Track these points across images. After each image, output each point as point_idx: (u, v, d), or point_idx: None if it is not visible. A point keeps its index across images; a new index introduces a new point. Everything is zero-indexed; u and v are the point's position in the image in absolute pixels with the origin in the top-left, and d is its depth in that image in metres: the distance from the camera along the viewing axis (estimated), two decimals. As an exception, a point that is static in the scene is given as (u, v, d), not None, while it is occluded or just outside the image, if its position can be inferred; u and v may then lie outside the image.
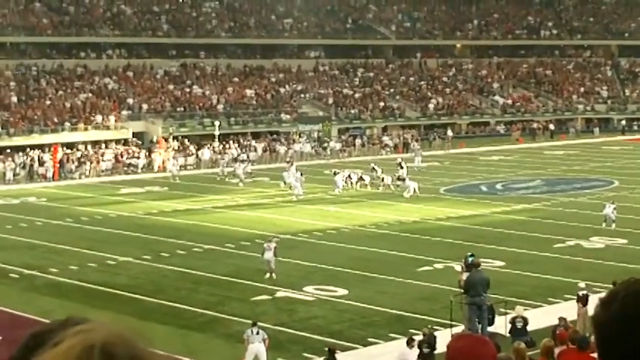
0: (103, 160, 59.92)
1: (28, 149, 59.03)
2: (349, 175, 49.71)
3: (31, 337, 1.75)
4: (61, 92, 71.12)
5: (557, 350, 14.29)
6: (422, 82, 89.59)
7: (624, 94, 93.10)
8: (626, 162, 60.80)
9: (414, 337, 20.22)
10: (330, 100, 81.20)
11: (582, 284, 23.57)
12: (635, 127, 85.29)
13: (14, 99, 67.80)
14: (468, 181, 52.84)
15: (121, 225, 39.08)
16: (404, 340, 20.77)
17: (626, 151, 68.64)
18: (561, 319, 19.92)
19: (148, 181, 54.75)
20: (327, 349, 19.80)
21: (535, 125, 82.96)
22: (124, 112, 69.80)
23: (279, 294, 26.69)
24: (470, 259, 23.07)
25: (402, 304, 25.35)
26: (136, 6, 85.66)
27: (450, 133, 76.04)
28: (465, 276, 22.72)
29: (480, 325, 22.08)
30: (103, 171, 59.05)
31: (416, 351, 19.82)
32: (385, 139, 72.77)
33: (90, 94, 71.55)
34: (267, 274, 28.65)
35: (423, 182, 49.15)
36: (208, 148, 63.65)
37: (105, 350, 1.63)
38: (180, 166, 58.53)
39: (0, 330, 22.70)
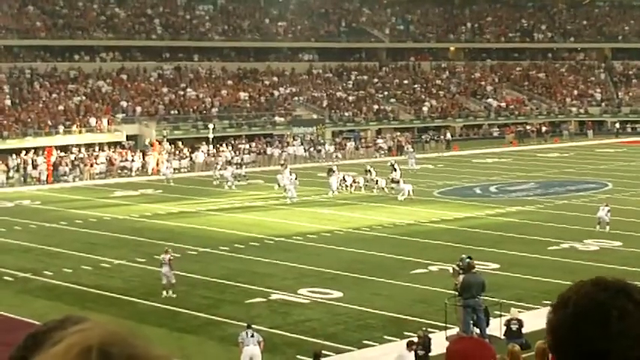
0: (96, 163, 59.89)
1: (23, 152, 58.93)
2: (343, 178, 49.71)
3: (29, 337, 1.75)
4: (54, 95, 71.05)
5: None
6: (415, 85, 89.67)
7: (617, 96, 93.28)
8: (620, 164, 60.91)
9: (413, 339, 20.22)
10: (324, 103, 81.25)
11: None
12: (629, 130, 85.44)
13: (8, 102, 67.71)
14: (462, 183, 52.88)
15: (115, 228, 39.03)
16: (399, 342, 20.77)
17: (619, 154, 68.75)
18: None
19: (141, 184, 54.75)
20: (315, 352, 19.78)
21: (529, 128, 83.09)
22: (118, 115, 69.75)
23: (273, 297, 26.66)
24: (467, 261, 23.05)
25: (397, 306, 25.34)
26: (129, 9, 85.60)
27: (449, 135, 76.22)
28: (461, 278, 22.71)
29: (478, 328, 22.08)
30: (97, 174, 59.03)
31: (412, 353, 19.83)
32: (379, 141, 72.83)
33: (84, 97, 71.49)
34: (164, 292, 26.77)
35: (417, 185, 49.13)
36: (202, 151, 63.66)
37: (102, 350, 1.63)
38: (174, 169, 58.51)
39: (-6, 333, 22.71)
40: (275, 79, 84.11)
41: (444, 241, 34.63)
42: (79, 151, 61.60)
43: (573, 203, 44.28)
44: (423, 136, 76.87)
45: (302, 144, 69.18)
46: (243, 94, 78.83)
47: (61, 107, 68.68)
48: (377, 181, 49.32)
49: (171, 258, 27.32)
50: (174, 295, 26.65)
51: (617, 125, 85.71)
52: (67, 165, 58.39)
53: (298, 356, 21.37)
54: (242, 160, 62.40)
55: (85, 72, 75.98)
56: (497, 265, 29.86)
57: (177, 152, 63.59)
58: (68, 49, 78.45)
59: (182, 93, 77.06)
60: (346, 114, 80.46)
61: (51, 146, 59.91)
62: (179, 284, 28.54)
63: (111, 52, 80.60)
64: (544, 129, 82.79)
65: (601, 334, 1.94)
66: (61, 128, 64.48)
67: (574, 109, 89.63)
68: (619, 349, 1.94)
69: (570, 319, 1.98)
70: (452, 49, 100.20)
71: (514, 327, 21.58)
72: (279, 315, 24.96)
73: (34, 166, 57.68)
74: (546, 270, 29.30)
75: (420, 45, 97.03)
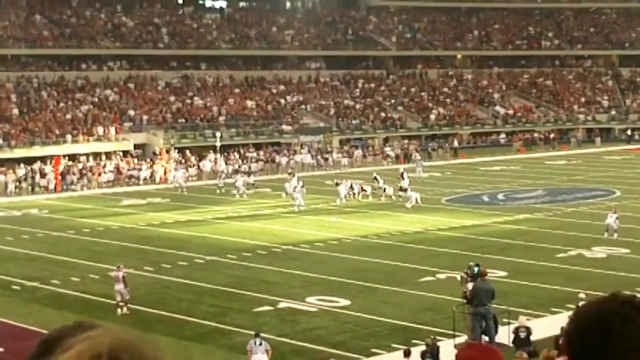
0: (104, 172, 59.94)
1: (39, 162, 58.95)
2: (351, 186, 49.68)
3: (41, 343, 1.76)
4: (62, 104, 71.20)
5: (560, 360, 14.23)
6: (423, 93, 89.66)
7: (625, 103, 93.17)
8: (628, 172, 60.77)
9: (411, 349, 20.21)
10: (332, 111, 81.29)
11: (582, 295, 23.54)
12: (637, 137, 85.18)
13: (15, 111, 67.88)
14: (469, 191, 52.83)
15: (123, 236, 39.07)
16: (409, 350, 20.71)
17: (627, 161, 68.64)
18: (563, 328, 19.84)
19: (149, 193, 54.78)
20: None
21: (536, 135, 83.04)
22: (126, 124, 69.88)
23: (281, 305, 26.64)
24: (475, 268, 22.99)
25: (405, 314, 25.31)
26: (136, 18, 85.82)
27: (456, 143, 76.18)
28: (470, 286, 22.65)
29: (487, 336, 22.01)
30: (104, 183, 59.09)
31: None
32: (387, 149, 72.83)
33: (91, 106, 71.63)
34: (119, 310, 25.94)
35: (424, 192, 49.12)
36: (210, 159, 63.66)
37: (112, 357, 1.64)
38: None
39: (2, 342, 22.76)
40: (282, 87, 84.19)
41: (452, 248, 34.60)
42: (87, 159, 61.73)
43: (581, 211, 44.20)
44: (429, 144, 76.76)
45: (309, 152, 69.19)
46: (250, 103, 78.92)
47: (68, 116, 68.83)
48: (385, 189, 49.30)
49: (125, 275, 26.59)
50: (129, 312, 26.03)
51: (629, 132, 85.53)
52: (74, 174, 58.46)
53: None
54: (250, 168, 62.41)
55: (92, 81, 76.15)
56: (504, 273, 29.78)
57: (184, 161, 63.61)
58: (75, 58, 78.68)
59: (189, 101, 77.19)
60: (353, 122, 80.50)
61: (59, 155, 60.02)
62: (186, 292, 28.58)
63: (118, 61, 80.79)
64: (552, 136, 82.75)
65: (603, 340, 2.07)
66: (68, 137, 64.62)
67: (581, 117, 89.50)
68: (617, 353, 2.06)
69: (579, 329, 2.14)
70: (459, 56, 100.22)
71: (522, 335, 21.51)
72: (286, 323, 24.94)
73: (42, 175, 57.77)
74: (554, 277, 29.26)
75: (427, 53, 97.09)
